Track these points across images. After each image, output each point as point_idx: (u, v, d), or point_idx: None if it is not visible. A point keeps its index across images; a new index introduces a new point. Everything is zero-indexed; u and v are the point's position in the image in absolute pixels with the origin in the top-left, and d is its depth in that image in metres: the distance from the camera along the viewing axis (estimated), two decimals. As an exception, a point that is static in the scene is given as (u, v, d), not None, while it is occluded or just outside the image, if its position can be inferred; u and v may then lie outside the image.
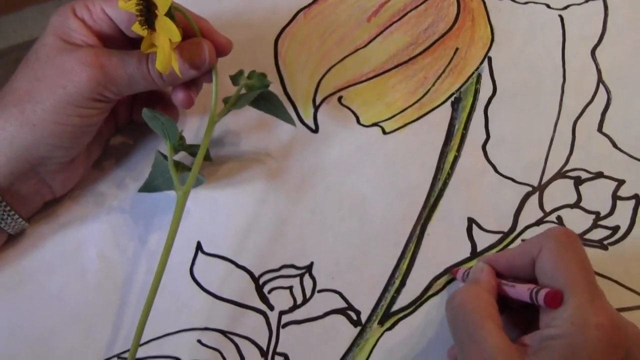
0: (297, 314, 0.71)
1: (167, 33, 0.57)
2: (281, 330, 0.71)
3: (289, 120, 0.69)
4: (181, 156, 0.72)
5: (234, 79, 0.68)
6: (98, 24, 0.64)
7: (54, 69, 0.62)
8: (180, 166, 0.69)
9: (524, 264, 0.62)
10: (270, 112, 0.69)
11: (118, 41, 0.66)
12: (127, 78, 0.63)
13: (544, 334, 0.57)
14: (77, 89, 0.61)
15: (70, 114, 0.62)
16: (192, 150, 0.70)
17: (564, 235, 0.60)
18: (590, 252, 0.70)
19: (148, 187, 0.70)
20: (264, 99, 0.68)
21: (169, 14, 0.58)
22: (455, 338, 0.61)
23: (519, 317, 0.64)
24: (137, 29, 0.59)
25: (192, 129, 0.76)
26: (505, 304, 0.63)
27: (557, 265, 0.58)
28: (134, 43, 0.66)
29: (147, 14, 0.58)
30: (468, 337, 0.59)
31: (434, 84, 0.77)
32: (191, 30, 0.64)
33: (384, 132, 0.76)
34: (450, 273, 0.72)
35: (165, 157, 0.68)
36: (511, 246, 0.72)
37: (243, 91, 0.68)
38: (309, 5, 0.79)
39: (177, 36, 0.57)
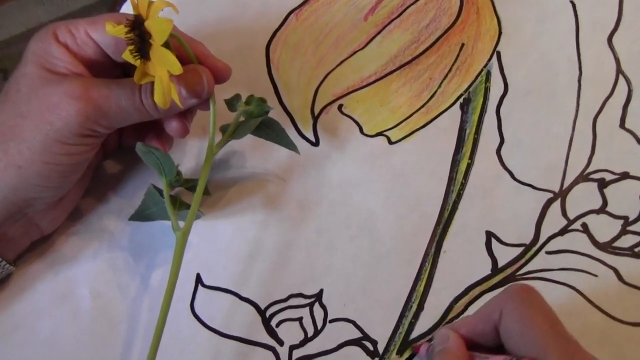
0: (309, 348, 0.72)
1: (165, 65, 0.56)
2: (293, 366, 0.72)
3: (292, 148, 0.69)
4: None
5: (231, 104, 0.67)
6: (83, 49, 0.63)
7: (38, 103, 0.61)
8: (177, 203, 0.68)
9: (486, 330, 0.60)
10: (271, 139, 0.69)
11: (105, 66, 0.65)
12: (119, 111, 0.62)
13: None
14: (64, 124, 0.60)
15: (58, 152, 0.61)
16: (190, 185, 0.70)
17: (522, 292, 0.59)
18: (620, 261, 0.72)
19: (140, 216, 0.70)
20: (264, 126, 0.68)
21: (165, 43, 0.56)
22: None
23: None
24: (128, 58, 0.58)
25: (192, 153, 0.75)
26: None
27: (524, 328, 0.56)
28: (122, 68, 0.66)
29: (141, 43, 0.56)
30: None
31: (440, 85, 0.77)
32: (185, 54, 0.63)
33: (390, 142, 0.76)
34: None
35: (158, 190, 0.68)
36: (535, 259, 0.73)
37: (241, 118, 0.67)
38: (300, 5, 0.78)
39: (178, 69, 0.56)
